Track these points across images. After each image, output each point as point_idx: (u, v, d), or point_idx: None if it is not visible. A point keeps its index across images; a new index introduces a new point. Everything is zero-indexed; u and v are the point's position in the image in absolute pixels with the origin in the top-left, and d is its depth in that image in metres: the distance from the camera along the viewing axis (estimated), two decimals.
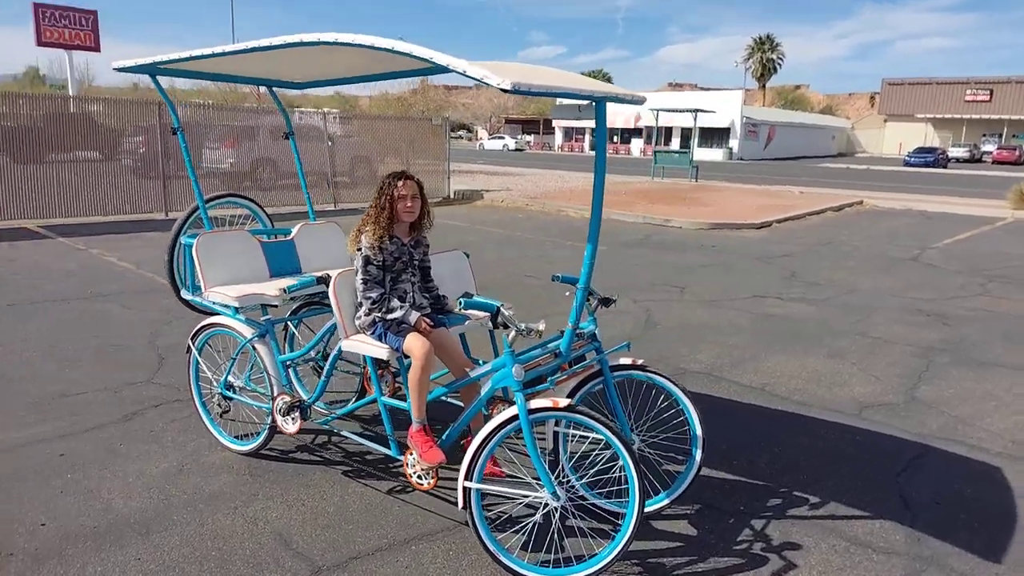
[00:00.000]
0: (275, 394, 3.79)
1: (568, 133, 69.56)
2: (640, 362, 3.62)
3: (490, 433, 3.03)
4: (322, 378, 3.76)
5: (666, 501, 3.62)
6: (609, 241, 12.62)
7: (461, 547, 3.27)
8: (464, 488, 3.02)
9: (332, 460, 4.08)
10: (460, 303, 3.15)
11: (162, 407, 4.72)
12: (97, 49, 28.89)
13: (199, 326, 4.10)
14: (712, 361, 6.11)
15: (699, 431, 3.61)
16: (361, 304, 3.40)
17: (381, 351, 3.33)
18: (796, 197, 21.23)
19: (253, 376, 4.03)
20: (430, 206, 3.65)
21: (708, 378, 5.69)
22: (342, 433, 3.84)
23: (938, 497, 3.92)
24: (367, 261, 3.37)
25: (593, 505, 3.52)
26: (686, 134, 58.69)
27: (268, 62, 3.73)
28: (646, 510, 3.59)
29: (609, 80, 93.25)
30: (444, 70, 2.87)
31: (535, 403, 3.02)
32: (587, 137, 68.14)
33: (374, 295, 3.34)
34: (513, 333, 3.05)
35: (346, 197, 17.50)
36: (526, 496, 3.13)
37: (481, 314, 3.65)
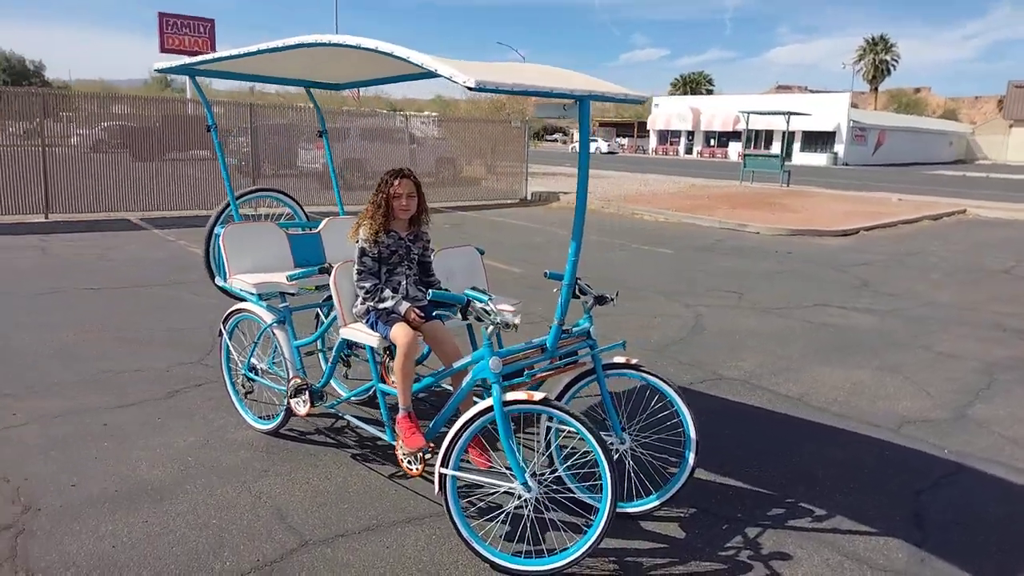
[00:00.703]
0: (289, 377, 4.00)
1: (663, 136, 68.50)
2: (634, 361, 3.61)
3: (466, 423, 3.11)
4: (328, 364, 3.94)
5: (656, 503, 3.59)
6: (678, 245, 12.43)
7: (445, 532, 3.36)
8: (440, 474, 3.11)
9: (344, 444, 4.26)
10: (429, 294, 3.24)
11: (204, 386, 5.04)
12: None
13: (229, 311, 4.38)
14: (752, 369, 5.96)
15: (693, 433, 3.57)
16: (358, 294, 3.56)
17: (372, 339, 3.47)
18: (893, 205, 20.19)
19: (276, 360, 4.27)
20: (427, 203, 3.76)
21: (744, 385, 5.56)
22: (345, 417, 4.00)
23: (959, 518, 3.72)
24: (362, 253, 3.52)
25: (570, 500, 3.53)
26: (788, 137, 56.70)
27: (291, 63, 3.94)
28: (636, 510, 3.58)
29: (710, 83, 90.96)
30: (430, 73, 2.96)
31: (510, 396, 3.08)
32: (682, 140, 66.91)
33: (367, 285, 3.48)
34: (491, 327, 3.11)
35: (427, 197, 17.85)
36: (499, 486, 3.19)
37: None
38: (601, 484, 3.06)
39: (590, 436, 3.03)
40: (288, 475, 3.88)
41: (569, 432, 3.52)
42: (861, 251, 12.54)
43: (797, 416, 5.01)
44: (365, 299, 3.51)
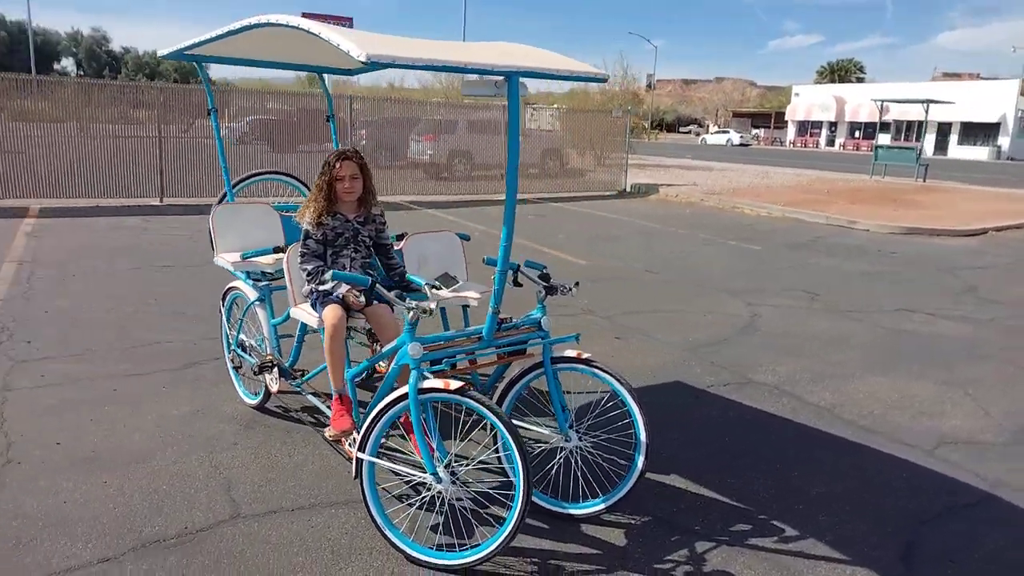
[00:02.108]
0: (264, 354, 4.10)
1: (802, 127, 64.91)
2: (585, 356, 3.40)
3: (382, 409, 3.05)
4: (295, 344, 4.00)
5: (602, 506, 3.38)
6: (770, 241, 11.72)
7: None
8: (356, 459, 3.07)
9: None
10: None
11: (219, 360, 5.26)
12: None
13: (225, 288, 4.54)
14: (790, 374, 5.51)
15: (643, 436, 3.33)
16: None
17: (313, 319, 3.47)
18: None
19: (260, 337, 4.37)
20: (373, 184, 3.71)
21: (772, 392, 5.15)
22: (306, 395, 4.03)
23: (959, 555, 3.25)
24: (306, 235, 3.53)
25: (483, 494, 3.39)
26: (944, 129, 52.10)
27: (277, 47, 3.98)
28: (579, 512, 3.39)
29: (861, 71, 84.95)
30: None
31: (427, 383, 2.98)
32: (823, 132, 63.09)
33: (309, 267, 3.49)
34: (410, 312, 3.02)
35: (523, 188, 17.85)
36: (413, 476, 3.11)
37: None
38: (513, 482, 2.92)
39: (503, 428, 2.89)
40: (254, 449, 3.97)
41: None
42: (982, 253, 11.31)
43: (816, 428, 4.57)
44: (307, 281, 3.52)
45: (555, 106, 26.44)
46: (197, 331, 5.92)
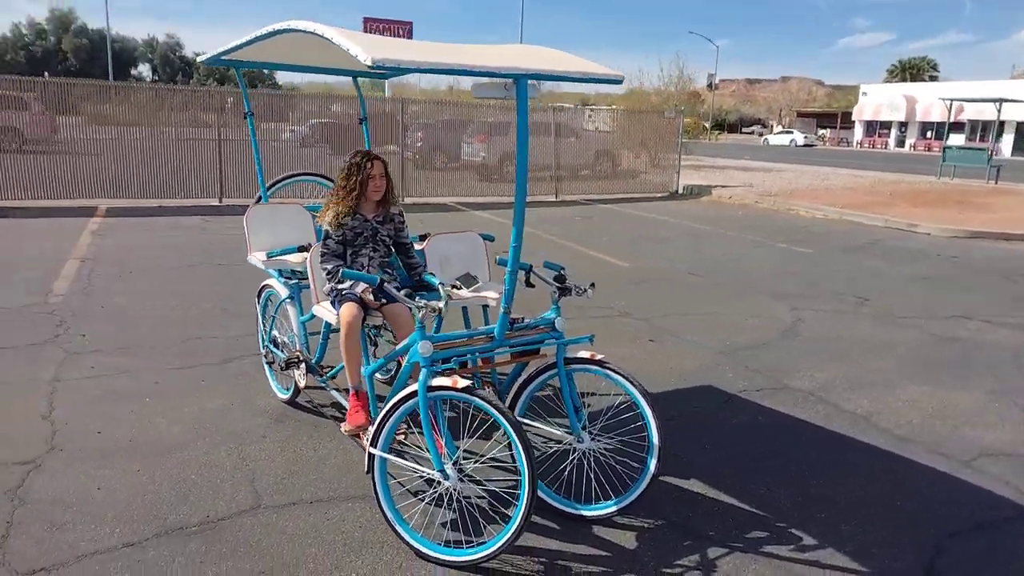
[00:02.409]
0: (293, 351, 4.22)
1: (870, 128, 62.83)
2: (599, 357, 3.39)
3: (393, 405, 3.11)
4: (320, 340, 4.10)
5: (614, 508, 3.37)
6: (824, 244, 11.42)
7: None
8: (368, 454, 3.14)
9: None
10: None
11: (258, 356, 5.40)
12: None
13: (261, 285, 4.69)
14: (827, 381, 5.37)
15: (656, 439, 3.31)
16: None
17: (332, 317, 3.56)
18: None
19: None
20: (393, 185, 3.77)
21: (807, 398, 5.03)
22: (330, 391, 4.13)
23: (986, 570, 3.13)
24: (326, 235, 3.62)
25: (490, 491, 3.40)
26: (1006, 128, 49.60)
27: (303, 51, 4.09)
28: (592, 514, 3.39)
29: (934, 69, 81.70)
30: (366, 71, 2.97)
31: (436, 381, 3.03)
32: (892, 132, 60.96)
33: (329, 267, 3.57)
34: (421, 311, 3.07)
35: (570, 189, 17.80)
36: (422, 472, 3.16)
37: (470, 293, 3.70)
38: (520, 480, 2.94)
39: (509, 427, 2.92)
40: (282, 443, 4.09)
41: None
42: None
43: (849, 436, 4.45)
44: (327, 280, 3.61)
45: (612, 107, 26.34)
46: (241, 327, 6.12)
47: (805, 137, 59.96)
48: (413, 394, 3.06)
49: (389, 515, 3.14)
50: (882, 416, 4.77)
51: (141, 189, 13.96)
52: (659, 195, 18.29)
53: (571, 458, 3.53)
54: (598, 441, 3.49)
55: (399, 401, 3.10)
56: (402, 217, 3.86)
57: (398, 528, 3.12)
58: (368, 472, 3.16)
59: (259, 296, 4.72)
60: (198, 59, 4.57)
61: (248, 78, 5.16)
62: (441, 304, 3.05)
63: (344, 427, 3.52)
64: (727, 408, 4.85)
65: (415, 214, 13.43)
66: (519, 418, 3.50)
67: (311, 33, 2.98)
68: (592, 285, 3.54)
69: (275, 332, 4.56)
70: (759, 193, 17.58)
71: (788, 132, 62.78)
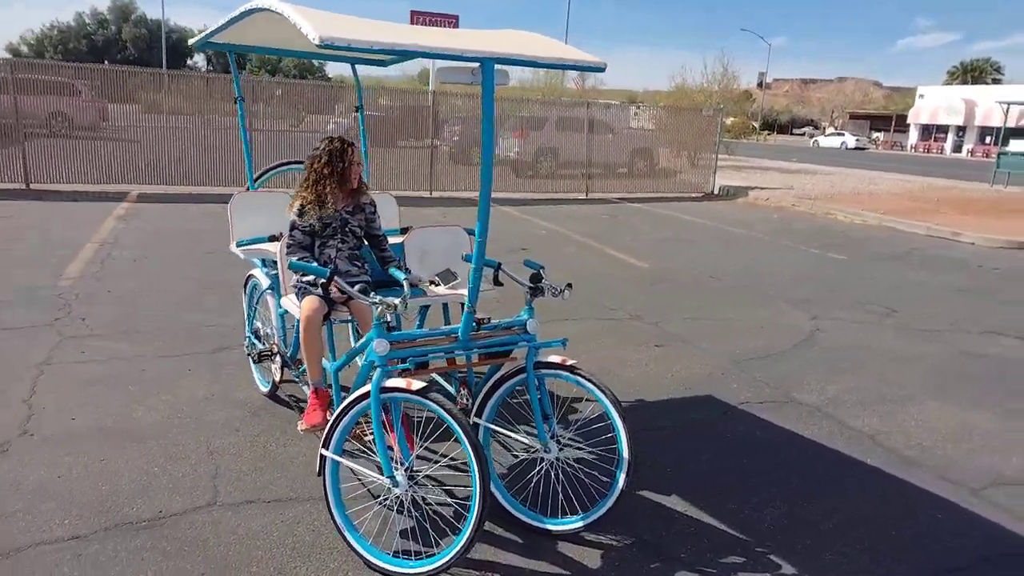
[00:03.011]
0: (271, 342, 4.12)
1: (926, 131, 60.78)
2: (570, 363, 3.20)
3: (346, 407, 2.98)
4: (294, 334, 3.99)
5: (580, 524, 3.18)
6: (858, 251, 10.98)
7: None
8: (320, 456, 3.01)
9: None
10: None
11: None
12: None
13: (246, 275, 4.60)
14: (837, 395, 5.08)
15: (626, 452, 3.12)
16: None
17: (296, 309, 3.44)
18: None
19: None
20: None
21: (812, 413, 4.76)
22: (302, 386, 4.02)
23: None
24: (292, 226, 3.49)
25: (438, 501, 3.25)
26: None
27: (290, 36, 3.97)
28: (557, 528, 3.21)
29: (998, 71, 78.65)
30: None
31: (390, 382, 2.89)
32: (950, 137, 58.87)
33: (293, 259, 3.45)
34: (378, 308, 2.93)
35: (602, 187, 17.52)
36: (373, 479, 3.01)
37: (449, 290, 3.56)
38: (471, 490, 2.78)
39: (461, 433, 2.78)
40: (253, 438, 4.00)
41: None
42: None
43: (850, 455, 4.18)
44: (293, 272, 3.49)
45: (662, 105, 25.87)
46: (241, 316, 6.06)
47: (857, 140, 58.30)
48: (366, 395, 2.92)
49: (339, 520, 3.01)
50: (890, 435, 4.48)
51: (180, 176, 14.11)
52: (694, 195, 17.89)
53: (538, 468, 3.35)
54: (566, 451, 3.31)
55: (352, 401, 2.96)
56: (373, 207, 3.72)
57: (347, 535, 2.99)
58: (319, 474, 3.03)
59: (245, 286, 4.64)
60: (189, 42, 4.50)
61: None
62: (396, 301, 2.90)
63: (300, 425, 3.41)
64: (725, 420, 4.62)
65: (438, 207, 13.37)
66: (488, 424, 3.34)
67: (270, 11, 2.85)
68: (568, 286, 3.35)
69: (257, 323, 4.47)
70: (798, 196, 17.06)
71: (839, 134, 61.10)
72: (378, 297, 2.91)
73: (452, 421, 2.78)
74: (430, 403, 2.83)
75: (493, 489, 3.32)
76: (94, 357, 5.02)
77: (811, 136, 70.53)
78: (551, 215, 13.22)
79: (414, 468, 2.99)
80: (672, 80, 26.82)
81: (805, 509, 3.58)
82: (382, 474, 2.93)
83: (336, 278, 2.96)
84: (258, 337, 4.45)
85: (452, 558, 2.80)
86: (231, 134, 14.76)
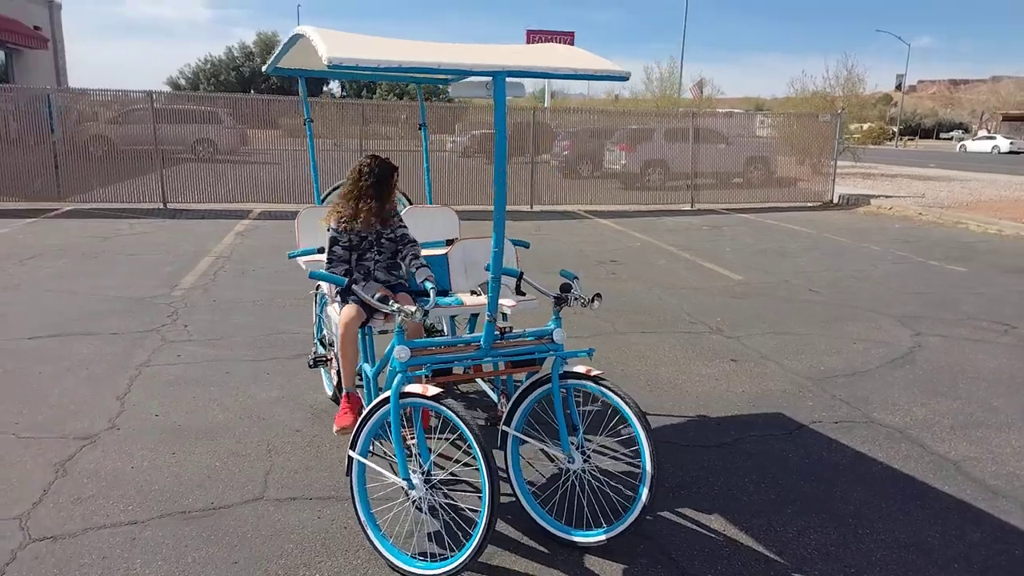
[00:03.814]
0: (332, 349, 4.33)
1: None
2: (595, 373, 3.17)
3: (372, 409, 3.09)
4: None
5: (603, 537, 3.13)
6: (985, 262, 10.10)
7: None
8: (348, 457, 3.14)
9: None
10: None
11: None
12: None
13: (314, 286, 4.86)
14: (926, 418, 4.71)
15: (649, 467, 3.05)
16: None
17: (336, 319, 3.60)
18: None
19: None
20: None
21: (891, 435, 4.44)
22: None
23: None
24: (334, 242, 3.65)
25: (452, 505, 3.26)
26: None
27: None
28: (582, 540, 3.17)
29: None
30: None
31: (409, 388, 2.98)
32: None
33: (323, 270, 3.60)
34: (399, 316, 3.02)
35: (710, 198, 17.04)
36: (394, 482, 3.09)
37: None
38: (481, 496, 2.81)
39: (472, 438, 2.82)
40: (310, 439, 4.20)
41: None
42: None
43: (924, 481, 3.87)
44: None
45: (787, 112, 24.86)
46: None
47: (1011, 143, 53.43)
48: (385, 401, 3.03)
49: (363, 519, 3.11)
50: (979, 462, 4.10)
51: (303, 194, 15.00)
52: (811, 204, 17.05)
53: (563, 479, 3.33)
54: (591, 463, 3.27)
55: (376, 405, 3.08)
56: (399, 220, 3.83)
57: (370, 533, 3.09)
58: (347, 474, 3.15)
59: (315, 295, 4.90)
60: (263, 68, 4.84)
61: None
62: (412, 308, 2.99)
63: (334, 428, 3.55)
64: (791, 439, 4.39)
65: (531, 221, 13.47)
66: (516, 432, 3.36)
67: (302, 36, 3.03)
68: (598, 296, 3.31)
69: (324, 331, 4.70)
70: (927, 204, 15.87)
71: (991, 137, 56.26)
72: (396, 305, 3.01)
73: (464, 427, 2.83)
74: (444, 408, 2.89)
75: (521, 498, 3.34)
76: (187, 360, 5.44)
77: (959, 140, 65.36)
78: (650, 227, 13.01)
79: (432, 472, 3.04)
80: (791, 85, 25.65)
81: (857, 536, 3.34)
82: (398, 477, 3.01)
83: (353, 287, 3.08)
84: (324, 344, 4.68)
85: (462, 563, 2.83)
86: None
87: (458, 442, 3.63)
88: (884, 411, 4.80)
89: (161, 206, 13.91)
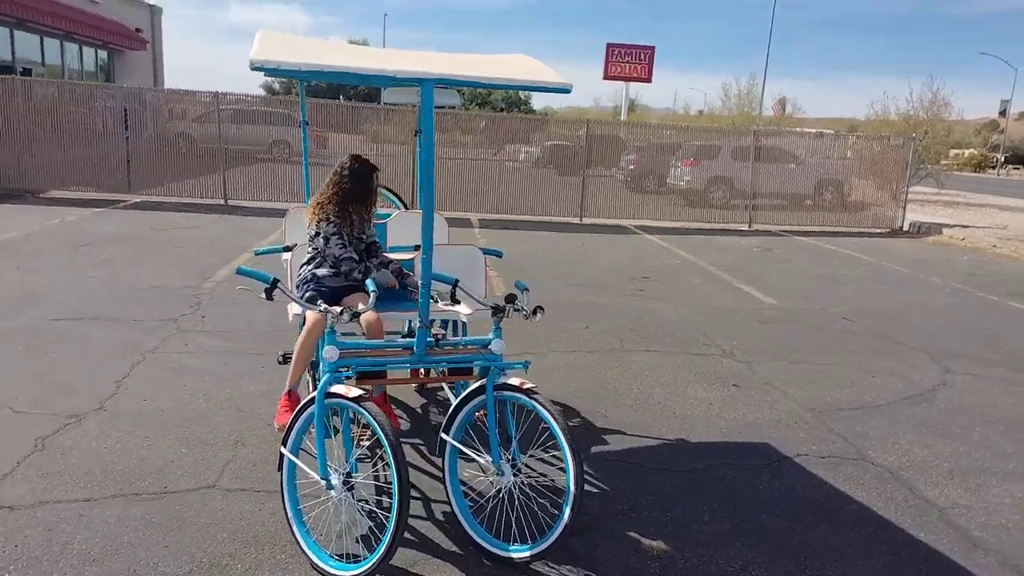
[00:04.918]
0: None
1: None
2: (527, 386, 3.13)
3: (301, 408, 3.13)
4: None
5: (527, 553, 3.07)
6: (1012, 291, 9.42)
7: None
8: (279, 454, 3.19)
9: None
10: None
11: None
12: (649, 80, 31.11)
13: None
14: (927, 460, 4.44)
15: (574, 487, 2.98)
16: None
17: (292, 312, 3.67)
18: None
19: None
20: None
21: (880, 475, 4.20)
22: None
23: None
24: (326, 239, 3.73)
25: (368, 507, 3.24)
26: None
27: None
28: (510, 555, 3.12)
29: None
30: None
31: (336, 388, 3.01)
32: None
33: (355, 256, 3.70)
34: (328, 317, 3.06)
35: (770, 219, 16.52)
36: (319, 481, 3.12)
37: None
38: (391, 501, 2.81)
39: (387, 444, 2.82)
40: (280, 434, 4.28)
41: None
42: None
43: (903, 528, 3.63)
44: (351, 269, 3.76)
45: (858, 134, 23.95)
46: None
47: None
48: (313, 400, 3.06)
49: (290, 515, 3.15)
50: (968, 511, 3.83)
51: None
52: (877, 231, 16.32)
53: (494, 491, 3.29)
54: (520, 477, 3.21)
55: (304, 405, 3.12)
56: (374, 231, 3.88)
57: (295, 529, 3.13)
58: (278, 470, 3.20)
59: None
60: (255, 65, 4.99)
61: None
62: (337, 310, 3.02)
63: (275, 425, 3.61)
64: (769, 470, 4.20)
65: (578, 234, 13.37)
66: (454, 441, 3.33)
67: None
68: (540, 308, 3.27)
69: None
70: (1005, 237, 14.94)
71: None
72: (324, 306, 3.05)
73: (379, 431, 2.84)
74: (363, 411, 2.91)
75: (454, 506, 3.31)
76: (192, 350, 5.65)
77: None
78: (697, 246, 12.72)
79: (352, 474, 3.06)
80: (871, 107, 24.58)
81: None
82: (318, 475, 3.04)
83: (279, 286, 3.14)
84: None
85: (371, 567, 2.84)
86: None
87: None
88: (880, 450, 4.54)
89: (222, 202, 14.50)
